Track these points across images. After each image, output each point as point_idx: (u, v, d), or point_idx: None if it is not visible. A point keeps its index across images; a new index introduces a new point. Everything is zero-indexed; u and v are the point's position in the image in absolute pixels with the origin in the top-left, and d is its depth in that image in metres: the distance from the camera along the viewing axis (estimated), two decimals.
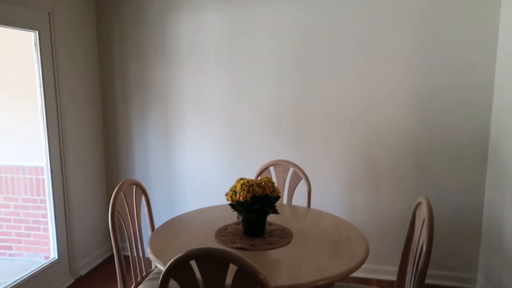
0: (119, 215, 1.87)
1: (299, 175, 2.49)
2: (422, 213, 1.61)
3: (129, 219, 1.96)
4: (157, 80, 3.16)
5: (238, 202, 1.72)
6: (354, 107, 2.83)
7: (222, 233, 1.80)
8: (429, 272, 2.86)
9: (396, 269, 2.75)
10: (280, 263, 1.50)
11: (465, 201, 2.75)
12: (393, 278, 2.89)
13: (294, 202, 2.72)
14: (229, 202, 1.76)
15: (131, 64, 3.19)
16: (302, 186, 2.63)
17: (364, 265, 2.96)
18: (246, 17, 2.93)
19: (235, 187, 1.75)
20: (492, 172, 2.61)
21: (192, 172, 3.20)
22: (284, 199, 2.63)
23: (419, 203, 1.71)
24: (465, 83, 2.64)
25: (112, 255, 3.36)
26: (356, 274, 2.98)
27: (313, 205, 2.99)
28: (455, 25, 2.60)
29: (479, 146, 2.68)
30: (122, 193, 1.93)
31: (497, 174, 2.52)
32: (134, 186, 2.05)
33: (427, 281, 2.87)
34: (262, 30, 2.91)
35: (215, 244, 1.67)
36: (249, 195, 1.69)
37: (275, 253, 1.59)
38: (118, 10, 3.15)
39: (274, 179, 2.67)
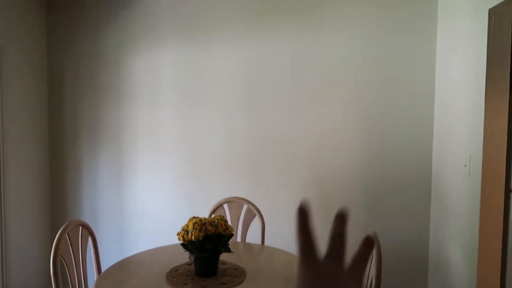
0: (62, 259, 1.76)
1: (253, 212, 2.49)
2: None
3: (74, 263, 1.85)
4: (110, 117, 3.10)
5: (190, 241, 1.68)
6: (307, 145, 2.92)
7: (173, 274, 1.75)
8: None
9: None
10: None
11: (412, 238, 2.86)
12: None
13: (248, 240, 2.70)
14: (181, 242, 1.72)
15: (82, 100, 3.12)
16: (256, 223, 2.63)
17: None
18: (200, 57, 2.99)
19: (187, 226, 1.72)
20: (435, 210, 2.76)
21: (144, 211, 3.11)
22: (238, 237, 2.61)
23: None
24: (407, 128, 2.82)
25: None
26: None
27: (267, 242, 2.98)
28: (394, 69, 2.81)
29: (422, 186, 2.83)
30: (66, 235, 1.83)
31: (440, 211, 2.67)
32: (80, 227, 1.95)
33: None
34: (216, 69, 2.98)
35: (165, 287, 1.61)
36: (202, 234, 1.67)
37: None
38: (71, 45, 3.11)
39: (228, 217, 2.65)
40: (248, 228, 2.52)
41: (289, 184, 2.95)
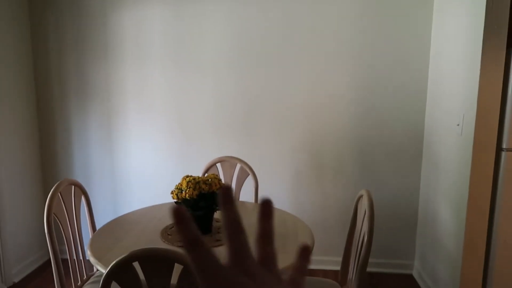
0: (56, 217, 1.76)
1: (246, 171, 2.50)
2: (364, 205, 1.68)
3: (68, 221, 1.86)
4: (98, 76, 3.01)
5: (184, 200, 1.69)
6: (300, 105, 2.89)
7: (168, 232, 1.76)
8: (370, 260, 3.00)
9: (341, 259, 2.85)
10: None
11: (403, 195, 2.92)
12: (338, 268, 3.00)
13: (241, 198, 2.72)
14: (175, 200, 1.73)
15: (68, 60, 3.01)
16: (249, 182, 2.64)
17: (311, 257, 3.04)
18: (192, 13, 2.87)
19: (181, 185, 1.71)
20: (426, 169, 2.79)
21: (137, 171, 3.10)
22: None
23: (361, 196, 1.78)
24: (400, 85, 2.79)
25: (50, 260, 3.17)
26: None
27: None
28: (391, 27, 2.74)
29: (414, 145, 2.85)
30: (59, 194, 1.82)
31: (431, 170, 2.70)
32: (73, 186, 1.94)
33: (368, 269, 3.01)
34: (208, 26, 2.88)
35: (161, 244, 1.63)
36: (195, 192, 1.67)
37: (223, 250, 1.58)
38: (53, 1, 2.96)
39: (221, 176, 2.66)
40: (241, 187, 2.53)
41: (281, 142, 2.94)
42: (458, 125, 2.28)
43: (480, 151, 2.10)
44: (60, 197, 1.82)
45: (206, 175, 2.03)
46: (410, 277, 2.94)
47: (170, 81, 2.96)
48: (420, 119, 2.82)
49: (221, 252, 1.56)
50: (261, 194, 3.00)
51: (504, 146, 2.10)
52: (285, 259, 1.51)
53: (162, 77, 2.96)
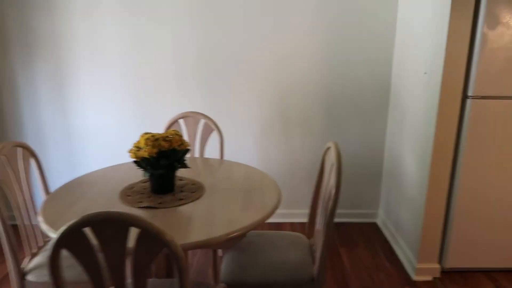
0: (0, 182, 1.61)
1: (211, 126, 2.39)
2: (331, 157, 1.64)
3: (15, 186, 1.71)
4: (43, 27, 2.72)
5: (143, 158, 1.57)
6: (266, 57, 2.76)
7: (128, 193, 1.66)
8: (340, 211, 3.05)
9: (308, 212, 2.88)
10: (191, 219, 1.43)
11: (369, 146, 2.92)
12: (306, 220, 3.03)
13: (206, 155, 2.63)
14: (134, 159, 1.61)
15: (7, 9, 2.69)
16: (214, 138, 2.54)
17: (278, 211, 3.05)
18: None
19: (139, 143, 1.59)
20: (392, 119, 2.78)
21: (92, 130, 2.92)
22: (196, 153, 2.53)
23: (328, 148, 1.73)
24: (367, 35, 2.70)
25: None
26: (270, 220, 3.07)
27: (226, 156, 2.95)
28: None
29: (381, 96, 2.82)
30: (3, 156, 1.65)
31: (397, 120, 2.69)
32: (19, 149, 1.77)
33: (336, 220, 3.06)
34: None
35: (119, 206, 1.53)
36: (155, 150, 1.56)
37: (186, 209, 1.51)
38: None
39: (184, 132, 2.54)
40: (206, 143, 2.43)
41: (247, 96, 2.83)
42: (425, 73, 2.24)
43: (446, 99, 2.08)
44: (4, 160, 1.66)
45: None
46: (374, 225, 3.03)
47: (124, 31, 2.73)
48: (387, 70, 2.77)
49: (184, 211, 1.48)
50: (226, 150, 2.93)
51: (469, 93, 2.09)
52: (249, 217, 1.46)
53: (116, 27, 2.72)
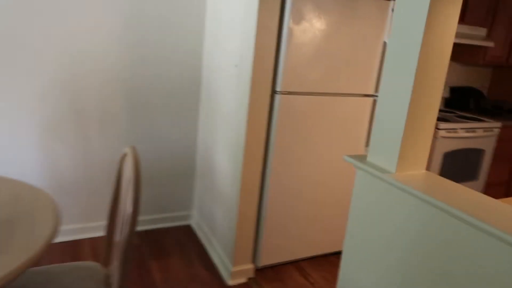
0: None
1: None
2: (128, 167, 1.29)
3: None
4: None
5: None
6: (50, 44, 2.15)
7: None
8: (147, 217, 2.70)
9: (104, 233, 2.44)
10: None
11: (181, 144, 2.66)
12: None
13: None
14: None
15: None
16: None
17: (72, 226, 2.50)
18: None
19: None
20: (204, 114, 2.59)
21: None
22: None
23: (125, 155, 1.37)
24: (176, 27, 2.42)
25: None
26: (63, 238, 2.49)
27: None
28: None
29: (192, 90, 2.58)
30: None
31: (209, 115, 2.51)
32: None
33: (145, 227, 2.71)
34: None
35: None
36: None
37: None
38: None
39: None
40: None
41: (22, 90, 2.17)
42: (236, 66, 2.10)
43: (256, 94, 1.98)
44: None
45: None
46: (188, 228, 2.81)
47: None
48: (197, 62, 2.55)
49: None
50: None
51: (278, 89, 2.04)
52: (7, 261, 0.99)
53: None
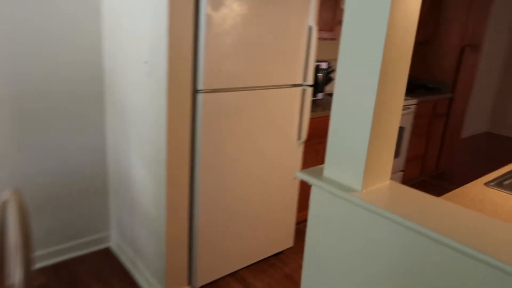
0: None
1: None
2: (12, 220, 0.93)
3: None
4: None
5: None
6: None
7: None
8: (53, 249, 2.26)
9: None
10: None
11: (86, 155, 2.24)
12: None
13: None
14: None
15: None
16: None
17: None
18: None
19: None
20: (112, 121, 2.19)
21: None
22: None
23: (5, 203, 1.00)
24: (63, 20, 1.97)
25: None
26: None
27: None
28: None
29: (93, 93, 2.16)
30: None
31: (118, 122, 2.12)
32: None
33: (58, 259, 2.27)
34: None
35: None
36: None
37: None
38: None
39: None
40: None
41: None
42: (146, 62, 1.75)
43: (175, 95, 1.68)
44: None
45: None
46: (107, 251, 2.42)
47: None
48: (96, 59, 2.12)
49: None
50: None
51: (199, 87, 1.75)
52: None
53: None
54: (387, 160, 1.07)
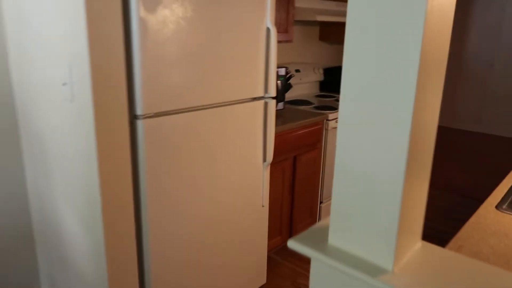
0: None
1: None
2: None
3: None
4: None
5: None
6: None
7: None
8: None
9: None
10: None
11: (4, 206, 1.78)
12: None
13: None
14: None
15: None
16: None
17: None
18: None
19: None
20: (29, 157, 1.75)
21: None
22: None
23: None
24: None
25: None
26: None
27: None
28: None
29: (3, 123, 1.71)
30: None
31: (36, 158, 1.69)
32: None
33: None
34: None
35: None
36: None
37: None
38: None
39: None
40: None
41: None
42: (64, 84, 1.36)
43: (105, 122, 1.30)
44: None
45: None
46: None
47: None
48: (5, 87, 1.68)
49: None
50: None
51: (138, 112, 1.38)
52: None
53: None
54: (419, 217, 0.74)
